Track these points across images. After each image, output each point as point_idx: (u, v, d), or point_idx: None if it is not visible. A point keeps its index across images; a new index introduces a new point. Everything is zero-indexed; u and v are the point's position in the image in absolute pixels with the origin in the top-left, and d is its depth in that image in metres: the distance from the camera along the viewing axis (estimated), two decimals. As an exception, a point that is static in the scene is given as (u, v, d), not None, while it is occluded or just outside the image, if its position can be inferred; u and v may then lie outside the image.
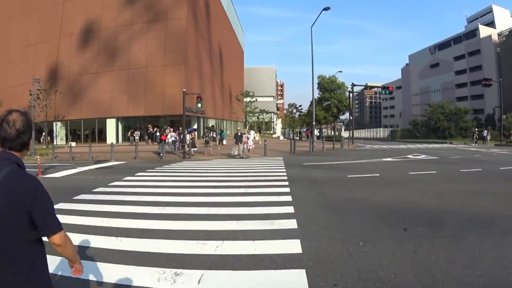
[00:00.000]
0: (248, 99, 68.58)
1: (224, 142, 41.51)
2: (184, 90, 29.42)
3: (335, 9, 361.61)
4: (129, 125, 49.35)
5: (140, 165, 21.63)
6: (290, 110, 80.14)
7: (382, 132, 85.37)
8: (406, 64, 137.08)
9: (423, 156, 26.52)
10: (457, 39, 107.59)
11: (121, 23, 47.78)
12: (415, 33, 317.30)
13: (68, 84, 49.85)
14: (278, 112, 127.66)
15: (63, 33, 50.65)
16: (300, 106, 79.71)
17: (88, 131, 51.93)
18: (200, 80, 51.43)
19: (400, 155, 27.28)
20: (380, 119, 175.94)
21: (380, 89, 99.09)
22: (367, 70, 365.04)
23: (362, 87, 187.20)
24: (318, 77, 75.95)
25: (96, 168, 20.32)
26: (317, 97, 75.34)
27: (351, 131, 48.45)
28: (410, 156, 27.05)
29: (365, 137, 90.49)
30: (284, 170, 17.70)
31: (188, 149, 27.57)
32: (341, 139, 41.09)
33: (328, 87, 74.67)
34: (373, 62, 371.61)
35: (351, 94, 51.65)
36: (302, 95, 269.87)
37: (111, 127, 48.53)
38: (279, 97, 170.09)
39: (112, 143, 30.25)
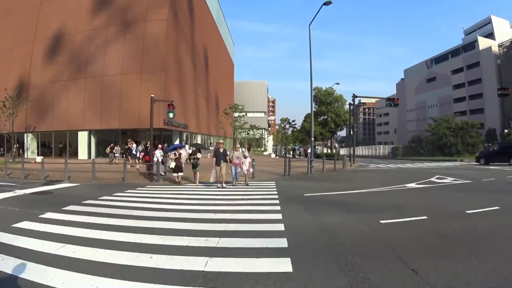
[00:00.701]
0: (237, 113, 62.71)
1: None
2: (153, 96, 23.44)
3: (327, 25, 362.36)
4: (103, 139, 43.52)
5: (91, 191, 16.61)
6: (282, 125, 74.01)
7: (382, 149, 79.53)
8: (402, 79, 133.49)
9: (450, 180, 21.25)
10: (454, 52, 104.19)
11: (95, 26, 42.58)
12: (409, 48, 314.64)
13: (40, 92, 44.95)
14: (269, 128, 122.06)
15: (38, 37, 45.73)
16: (293, 121, 73.94)
17: (62, 145, 46.32)
18: (181, 89, 45.84)
19: (421, 179, 21.74)
20: (373, 136, 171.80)
21: (374, 104, 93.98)
22: (360, 87, 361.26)
23: (358, 99, 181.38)
24: (314, 89, 70.55)
25: (32, 193, 15.97)
26: (313, 111, 70.25)
27: (352, 148, 42.67)
28: (434, 179, 21.76)
29: (364, 154, 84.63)
30: (279, 209, 11.70)
31: (158, 170, 22.01)
32: (343, 158, 35.46)
33: (325, 100, 69.28)
34: (367, 78, 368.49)
35: (351, 106, 46.22)
36: (295, 111, 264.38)
37: (83, 141, 42.90)
38: (270, 113, 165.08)
39: (92, 159, 24.39)
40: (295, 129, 76.45)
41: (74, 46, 43.14)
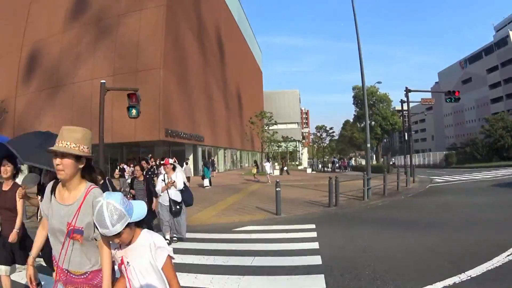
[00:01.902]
0: (266, 120, 52.79)
1: (206, 183, 25.79)
2: (103, 81, 14.00)
3: (351, 37, 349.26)
4: (95, 155, 34.46)
5: None
6: (318, 134, 62.87)
7: (433, 157, 66.73)
8: (436, 82, 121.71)
9: None
10: (488, 50, 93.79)
11: (85, 21, 35.06)
12: (440, 52, 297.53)
13: (27, 101, 37.83)
14: (304, 141, 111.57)
15: (27, 41, 38.92)
16: (331, 128, 62.69)
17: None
18: (188, 91, 37.06)
19: None
20: (412, 144, 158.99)
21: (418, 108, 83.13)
22: (393, 96, 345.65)
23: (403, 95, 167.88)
24: (354, 89, 60.27)
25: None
26: (354, 114, 59.88)
27: (410, 159, 32.03)
28: None
29: (405, 165, 71.14)
30: None
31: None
32: (409, 171, 24.94)
33: (368, 101, 58.84)
34: (398, 88, 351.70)
35: (404, 104, 35.96)
36: (329, 123, 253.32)
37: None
38: (304, 125, 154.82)
39: None
40: (333, 138, 65.57)
41: (61, 48, 35.45)
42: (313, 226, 11.23)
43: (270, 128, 52.58)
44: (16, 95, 38.43)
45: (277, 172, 41.84)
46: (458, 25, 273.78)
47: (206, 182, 25.30)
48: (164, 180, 9.17)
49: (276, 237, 10.07)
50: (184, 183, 9.45)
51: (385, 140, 42.15)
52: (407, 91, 33.09)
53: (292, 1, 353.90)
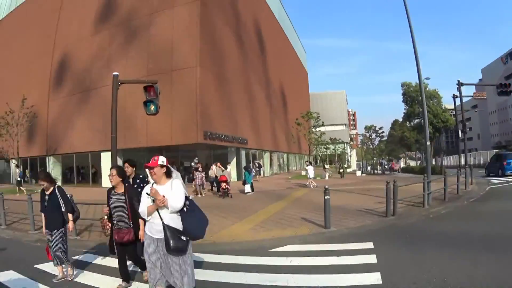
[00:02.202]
0: (313, 121, 50.02)
1: (247, 189, 23.44)
2: (116, 73, 11.61)
3: (395, 36, 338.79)
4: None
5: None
6: (367, 134, 59.30)
7: (483, 156, 61.48)
8: (479, 79, 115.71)
9: None
10: None
11: (116, 23, 33.62)
12: (480, 49, 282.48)
13: (59, 105, 36.58)
14: (352, 143, 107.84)
15: (57, 46, 38.08)
16: (380, 128, 58.96)
17: (94, 169, 36.52)
18: (227, 91, 34.68)
19: None
20: (455, 144, 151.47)
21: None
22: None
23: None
24: (402, 86, 56.40)
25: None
26: (403, 113, 56.26)
27: (464, 158, 28.60)
28: None
29: (457, 165, 65.70)
30: None
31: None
32: (457, 173, 21.59)
33: (417, 97, 54.79)
34: (441, 86, 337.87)
35: (457, 99, 32.54)
36: (378, 123, 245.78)
37: (107, 165, 32.43)
38: (352, 127, 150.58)
39: None
40: (383, 139, 61.91)
41: (92, 51, 34.37)
42: (371, 245, 8.68)
43: (317, 129, 49.87)
44: (48, 100, 37.73)
45: (328, 176, 39.32)
46: (495, 21, 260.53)
47: (247, 188, 23.03)
48: (150, 195, 5.08)
49: (324, 263, 7.55)
50: (188, 198, 5.22)
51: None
52: (460, 84, 30.15)
53: (334, 3, 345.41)
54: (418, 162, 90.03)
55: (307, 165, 29.50)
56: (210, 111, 29.81)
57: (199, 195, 22.32)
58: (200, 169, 23.27)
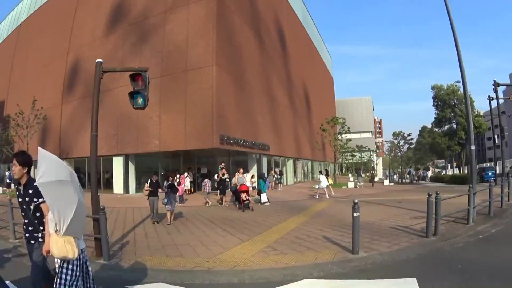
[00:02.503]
0: (338, 127, 47.42)
1: (264, 199, 21.06)
2: (100, 60, 9.48)
3: (421, 42, 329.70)
4: (144, 166, 31.44)
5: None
6: (396, 141, 55.74)
7: None
8: (508, 85, 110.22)
9: None
10: None
11: (131, 21, 31.79)
12: (505, 55, 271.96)
13: (73, 108, 35.37)
14: (378, 151, 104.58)
15: (72, 48, 36.92)
16: (409, 134, 55.49)
17: (108, 174, 34.41)
18: (246, 93, 32.25)
19: None
20: (484, 152, 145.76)
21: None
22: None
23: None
24: (433, 89, 53.43)
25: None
26: (434, 117, 53.31)
27: (502, 165, 26.04)
28: None
29: (502, 174, 61.27)
30: None
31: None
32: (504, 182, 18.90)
33: (449, 101, 51.75)
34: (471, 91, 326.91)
35: (493, 101, 29.85)
36: (404, 131, 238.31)
37: (118, 170, 30.83)
38: (377, 135, 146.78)
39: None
40: (411, 146, 58.44)
41: (106, 52, 32.50)
42: (414, 283, 6.31)
43: (343, 136, 47.22)
44: (62, 102, 36.41)
45: (352, 184, 36.90)
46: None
47: (263, 197, 20.70)
48: None
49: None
50: None
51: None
52: (496, 85, 27.46)
53: (358, 9, 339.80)
54: (445, 171, 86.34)
55: (320, 175, 26.98)
56: (227, 113, 27.58)
57: (207, 205, 20.20)
58: (226, 175, 21.12)
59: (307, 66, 56.03)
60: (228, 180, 20.29)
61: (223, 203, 20.14)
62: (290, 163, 44.43)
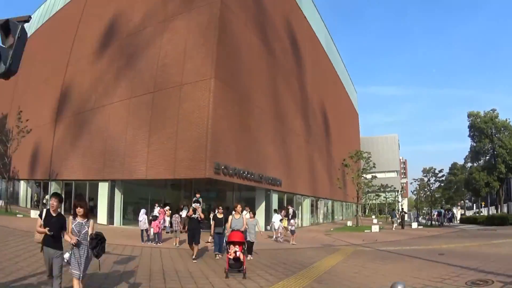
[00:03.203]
0: (363, 163, 41.84)
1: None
2: None
3: (446, 83, 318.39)
4: (133, 195, 27.08)
5: None
6: (427, 178, 48.60)
7: None
8: None
9: None
10: None
11: (130, 30, 27.91)
12: None
13: (64, 127, 32.27)
14: (402, 192, 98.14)
15: (71, 60, 33.86)
16: (441, 170, 48.57)
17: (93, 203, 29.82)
18: (252, 117, 26.95)
19: None
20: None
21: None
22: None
23: None
24: (469, 116, 48.08)
25: None
26: (469, 150, 47.87)
27: None
28: None
29: None
30: None
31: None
32: None
33: (486, 130, 46.17)
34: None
35: None
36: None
37: (103, 197, 26.26)
38: (402, 176, 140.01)
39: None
40: (442, 184, 51.43)
41: (101, 65, 29.53)
42: None
43: (368, 172, 41.48)
44: (56, 120, 32.89)
45: (376, 228, 31.47)
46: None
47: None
48: None
49: None
50: None
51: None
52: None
53: (382, 53, 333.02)
54: (472, 211, 79.15)
55: (274, 213, 22.19)
56: (226, 138, 22.61)
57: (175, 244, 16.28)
58: (198, 213, 15.08)
59: (329, 96, 50.94)
60: (199, 218, 14.31)
61: (194, 256, 13.21)
62: (307, 202, 38.63)
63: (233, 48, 24.07)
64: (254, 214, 16.20)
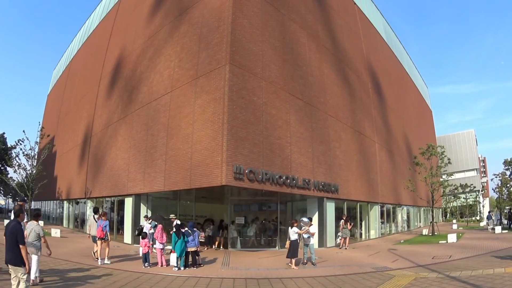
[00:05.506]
0: (437, 161, 33.91)
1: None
2: None
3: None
4: (162, 209, 22.83)
5: None
6: (510, 171, 39.11)
7: None
8: None
9: None
10: None
11: (149, 34, 24.58)
12: None
13: (97, 140, 29.37)
14: (483, 191, 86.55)
15: (103, 76, 31.32)
16: None
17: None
18: (284, 102, 21.05)
19: None
20: None
21: None
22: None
23: None
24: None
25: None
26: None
27: None
28: None
29: None
30: None
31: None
32: None
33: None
34: None
35: None
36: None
37: (128, 213, 22.73)
38: (482, 174, 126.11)
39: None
40: None
41: (127, 71, 26.59)
42: None
43: (444, 170, 33.87)
44: (91, 133, 30.36)
45: (453, 238, 24.44)
46: None
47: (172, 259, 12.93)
48: None
49: None
50: None
51: None
52: None
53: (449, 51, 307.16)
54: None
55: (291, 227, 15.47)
56: (248, 133, 17.42)
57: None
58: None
59: (396, 89, 43.15)
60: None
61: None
62: (375, 209, 31.87)
63: (250, 30, 18.90)
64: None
